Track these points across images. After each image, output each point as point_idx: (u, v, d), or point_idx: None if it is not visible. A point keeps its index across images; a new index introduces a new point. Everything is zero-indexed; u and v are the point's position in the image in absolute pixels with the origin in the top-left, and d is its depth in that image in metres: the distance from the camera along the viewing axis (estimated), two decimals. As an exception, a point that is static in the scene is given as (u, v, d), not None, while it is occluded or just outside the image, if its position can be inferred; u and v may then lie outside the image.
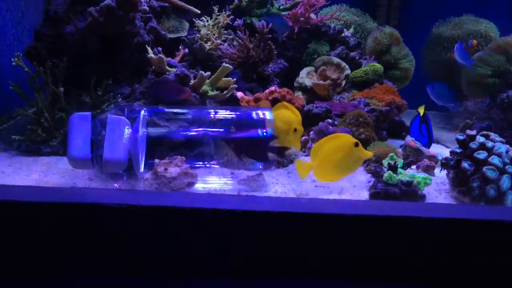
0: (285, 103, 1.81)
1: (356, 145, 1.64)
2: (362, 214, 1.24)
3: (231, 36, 2.70)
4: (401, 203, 1.54)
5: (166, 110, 1.81)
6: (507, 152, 1.63)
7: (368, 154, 1.67)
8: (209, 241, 1.22)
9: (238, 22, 2.60)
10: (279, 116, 1.76)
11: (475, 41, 3.08)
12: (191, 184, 1.61)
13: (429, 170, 1.90)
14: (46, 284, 1.26)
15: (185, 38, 2.65)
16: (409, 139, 2.05)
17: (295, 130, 1.72)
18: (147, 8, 2.34)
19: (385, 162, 1.76)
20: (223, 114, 1.83)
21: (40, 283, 1.26)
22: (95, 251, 1.22)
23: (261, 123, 1.79)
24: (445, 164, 1.71)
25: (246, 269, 1.25)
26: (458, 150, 1.70)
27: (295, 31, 2.82)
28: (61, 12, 2.16)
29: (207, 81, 2.16)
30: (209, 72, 2.15)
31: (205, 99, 2.16)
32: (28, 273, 1.23)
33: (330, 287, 1.30)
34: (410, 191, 1.61)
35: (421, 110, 2.21)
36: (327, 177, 1.69)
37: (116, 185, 1.64)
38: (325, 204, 1.38)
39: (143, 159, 1.67)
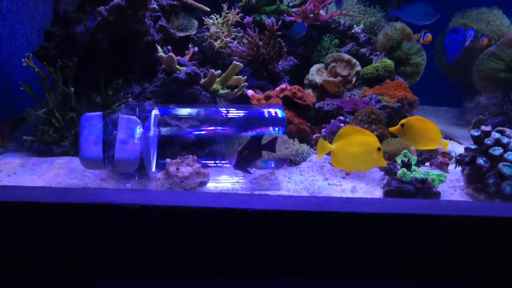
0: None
1: (379, 149, 1.61)
2: (376, 213, 1.22)
3: (241, 34, 2.69)
4: (416, 200, 1.53)
5: (177, 109, 1.79)
6: (523, 148, 1.61)
7: (384, 162, 1.63)
8: (223, 241, 1.21)
9: (248, 19, 2.58)
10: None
11: (485, 40, 3.05)
12: (203, 183, 1.60)
13: (443, 167, 1.88)
14: (55, 284, 1.26)
15: (194, 36, 2.64)
16: None
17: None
18: (157, 7, 2.33)
19: (398, 159, 1.73)
20: (235, 112, 1.81)
21: (50, 283, 1.25)
22: (107, 252, 1.21)
23: (273, 121, 1.78)
24: (460, 160, 1.68)
25: (260, 268, 1.24)
26: (473, 147, 1.68)
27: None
28: (70, 11, 2.16)
29: (218, 79, 2.15)
30: (219, 71, 2.14)
31: (215, 97, 2.14)
32: (41, 273, 1.23)
33: (339, 286, 1.28)
34: (424, 189, 1.60)
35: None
36: (339, 163, 1.67)
37: (128, 185, 1.63)
38: (339, 202, 1.36)
39: (155, 158, 1.66)
